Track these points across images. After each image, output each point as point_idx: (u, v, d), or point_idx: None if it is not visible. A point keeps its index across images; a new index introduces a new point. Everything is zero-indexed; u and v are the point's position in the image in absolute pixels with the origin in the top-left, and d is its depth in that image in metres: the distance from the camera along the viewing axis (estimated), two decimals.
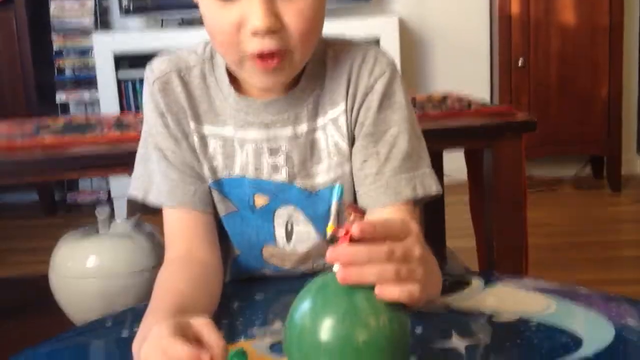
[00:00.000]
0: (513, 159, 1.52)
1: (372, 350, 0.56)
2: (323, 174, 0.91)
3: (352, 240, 0.57)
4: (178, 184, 0.89)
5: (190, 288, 0.78)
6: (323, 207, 0.91)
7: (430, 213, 2.07)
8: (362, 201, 0.89)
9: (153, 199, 0.91)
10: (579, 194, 3.49)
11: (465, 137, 1.56)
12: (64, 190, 3.74)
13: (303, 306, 0.58)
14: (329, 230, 0.59)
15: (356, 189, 0.90)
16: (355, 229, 0.57)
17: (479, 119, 1.59)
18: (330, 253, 0.57)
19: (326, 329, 0.56)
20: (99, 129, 1.71)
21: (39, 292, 1.80)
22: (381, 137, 0.89)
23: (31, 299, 1.91)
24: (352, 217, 0.58)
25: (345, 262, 0.57)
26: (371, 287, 0.57)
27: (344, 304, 0.57)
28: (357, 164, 0.89)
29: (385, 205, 0.87)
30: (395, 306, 0.58)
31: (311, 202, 0.91)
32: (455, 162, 2.12)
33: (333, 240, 0.59)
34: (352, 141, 0.91)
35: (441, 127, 1.53)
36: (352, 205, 0.59)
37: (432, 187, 0.89)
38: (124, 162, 1.45)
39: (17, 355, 0.75)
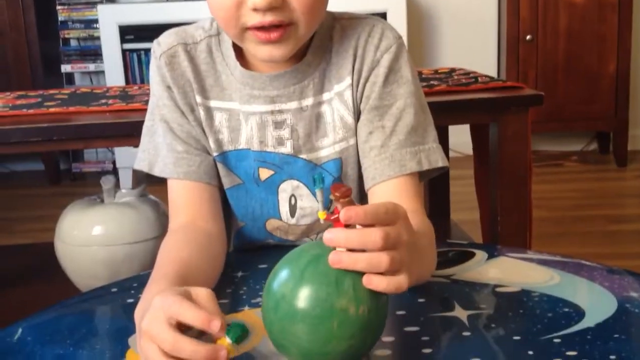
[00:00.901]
0: (519, 134, 1.51)
1: (345, 328, 0.57)
2: (328, 147, 0.91)
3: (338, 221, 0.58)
4: (184, 156, 0.90)
5: (193, 257, 0.79)
6: (327, 181, 0.91)
7: (435, 186, 2.07)
8: (366, 174, 0.89)
9: (158, 171, 0.91)
10: (585, 169, 3.48)
11: (472, 111, 1.55)
12: (69, 160, 3.75)
13: (286, 274, 0.59)
14: (321, 217, 0.59)
15: (361, 162, 0.90)
16: (342, 216, 0.57)
17: (486, 93, 1.58)
18: (326, 236, 0.58)
19: (306, 299, 0.57)
20: (104, 100, 1.71)
21: (44, 259, 1.81)
22: (387, 111, 0.88)
23: (37, 266, 1.92)
24: (338, 203, 0.58)
25: (340, 245, 0.57)
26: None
27: (330, 278, 0.57)
28: (363, 137, 0.89)
29: (389, 178, 0.86)
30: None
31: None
32: (460, 136, 2.12)
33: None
34: (357, 115, 0.91)
35: (447, 101, 1.52)
36: (336, 184, 0.59)
37: (437, 161, 0.89)
38: (129, 133, 1.46)
39: (23, 320, 0.76)
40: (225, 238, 0.90)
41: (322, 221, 0.60)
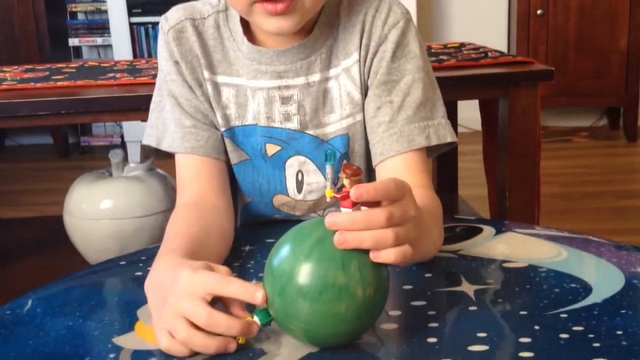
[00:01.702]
0: (528, 109, 1.50)
1: (354, 311, 0.57)
2: (335, 123, 0.91)
3: (348, 196, 0.58)
4: (191, 130, 0.90)
5: (203, 231, 0.79)
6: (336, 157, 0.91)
7: (443, 161, 2.06)
8: (374, 149, 0.89)
9: (166, 146, 0.91)
10: (594, 145, 3.46)
11: (481, 86, 1.54)
12: (77, 134, 3.76)
13: (291, 257, 0.58)
14: (328, 195, 0.59)
15: (369, 137, 0.90)
16: (353, 194, 0.57)
17: (495, 68, 1.57)
18: (329, 220, 0.57)
19: (314, 284, 0.57)
20: (112, 74, 1.71)
21: (53, 232, 1.83)
22: (395, 86, 0.88)
23: (46, 239, 1.93)
24: (348, 180, 0.58)
25: (344, 228, 0.57)
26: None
27: (336, 261, 0.57)
28: (370, 112, 0.89)
29: (398, 153, 0.86)
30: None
31: (322, 151, 0.91)
32: (469, 111, 2.10)
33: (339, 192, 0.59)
34: (365, 91, 0.90)
35: (457, 76, 1.51)
36: (347, 164, 0.59)
37: (446, 136, 0.89)
38: (137, 107, 1.45)
39: (33, 292, 0.77)
40: (232, 212, 0.90)
41: (328, 199, 0.60)
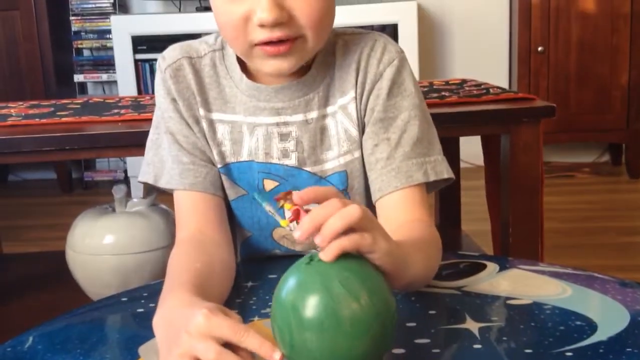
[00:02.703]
0: (531, 145, 1.51)
1: (355, 327, 0.56)
2: (333, 160, 0.91)
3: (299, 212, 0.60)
4: (189, 167, 0.90)
5: (206, 266, 0.79)
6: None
7: (445, 196, 2.06)
8: (373, 186, 0.89)
9: (164, 183, 0.92)
10: (597, 181, 3.46)
11: (483, 123, 1.55)
12: (81, 169, 3.77)
13: (288, 284, 0.59)
14: (284, 224, 0.61)
15: (367, 174, 0.91)
16: (296, 197, 0.59)
17: (497, 104, 1.58)
18: (296, 235, 0.59)
19: (310, 306, 0.57)
20: (117, 110, 1.72)
21: (56, 267, 1.82)
22: (392, 123, 0.89)
23: (48, 274, 1.93)
24: (285, 202, 0.61)
25: (311, 228, 0.59)
26: (356, 266, 0.59)
27: (327, 282, 0.57)
28: (368, 149, 0.90)
29: (396, 189, 0.87)
30: (379, 285, 0.59)
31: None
32: (471, 146, 2.11)
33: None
34: (362, 128, 0.91)
35: (459, 112, 1.52)
36: (276, 196, 0.61)
37: (443, 173, 0.89)
38: (141, 142, 1.45)
39: (34, 329, 0.76)
40: (233, 247, 0.90)
41: (287, 228, 0.61)
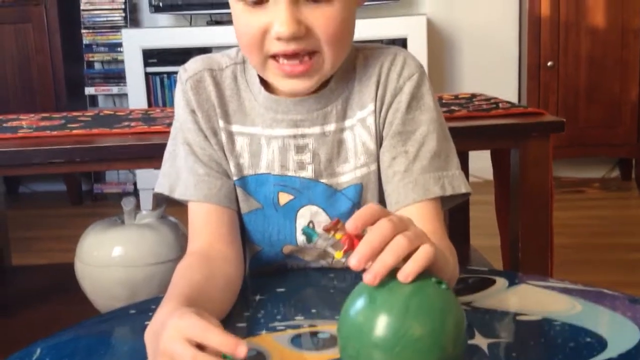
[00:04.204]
0: (540, 160, 1.50)
1: (426, 345, 0.56)
2: (349, 173, 0.91)
3: (353, 239, 0.59)
4: (204, 178, 0.90)
5: (206, 280, 0.79)
6: (346, 206, 0.91)
7: (455, 211, 2.06)
8: (390, 199, 0.89)
9: (179, 194, 0.92)
10: (606, 196, 3.44)
11: (493, 137, 1.55)
12: (91, 181, 3.79)
13: (354, 305, 0.59)
14: (339, 256, 0.61)
15: (384, 187, 0.91)
16: (350, 226, 0.59)
17: (507, 119, 1.58)
18: (352, 263, 0.58)
19: (378, 326, 0.56)
20: (127, 123, 1.73)
21: (64, 279, 1.82)
22: (410, 137, 0.89)
23: (57, 286, 1.93)
24: (336, 232, 0.60)
25: (367, 254, 0.58)
26: (426, 284, 0.58)
27: (393, 300, 0.57)
28: (386, 162, 0.90)
29: (413, 202, 0.87)
30: (447, 298, 0.58)
31: (334, 200, 0.92)
32: (480, 161, 2.11)
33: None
34: (380, 141, 0.91)
35: (468, 126, 1.52)
36: (325, 226, 0.61)
37: (461, 187, 0.89)
38: (151, 155, 1.47)
39: (42, 340, 0.76)
40: (242, 262, 0.90)
41: (343, 260, 0.60)
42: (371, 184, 0.92)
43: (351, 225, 0.59)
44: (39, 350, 0.74)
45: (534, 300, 0.83)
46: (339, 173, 0.92)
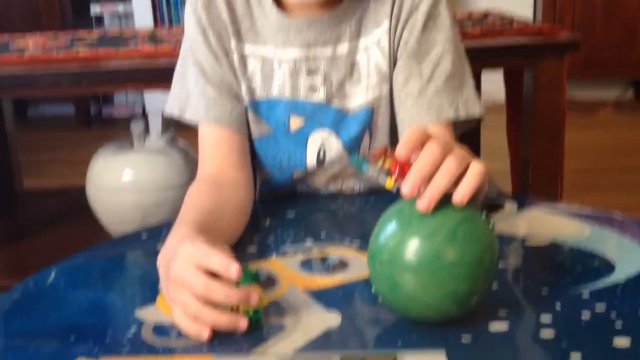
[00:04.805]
0: (554, 80, 1.48)
1: (462, 273, 0.56)
2: (361, 95, 0.90)
3: (403, 165, 0.58)
4: (215, 100, 0.89)
5: (217, 205, 0.79)
6: (356, 129, 0.91)
7: (465, 133, 2.04)
8: (402, 121, 0.88)
9: (190, 116, 0.91)
10: (620, 118, 3.40)
11: (505, 56, 1.52)
12: (99, 104, 3.77)
13: (386, 229, 0.59)
14: (390, 185, 0.59)
15: (396, 109, 0.90)
16: (400, 152, 0.57)
17: (520, 37, 1.54)
18: (404, 190, 0.57)
19: (412, 249, 0.56)
20: (133, 43, 1.71)
21: (77, 203, 1.84)
22: (425, 56, 0.87)
23: (70, 209, 1.95)
24: (386, 159, 0.59)
25: (419, 181, 0.57)
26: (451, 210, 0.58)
27: (442, 225, 0.57)
28: (400, 83, 0.88)
29: (426, 123, 0.86)
30: (491, 234, 0.58)
31: (346, 123, 0.91)
32: (493, 82, 2.07)
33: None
34: (393, 61, 0.90)
35: (481, 46, 1.48)
36: (374, 152, 0.60)
37: (475, 109, 0.88)
38: (159, 76, 1.45)
39: (56, 264, 0.77)
40: (252, 186, 0.90)
41: (394, 188, 0.59)
42: (382, 108, 0.91)
43: (402, 151, 0.58)
44: (53, 274, 0.75)
45: (542, 224, 0.83)
46: (350, 95, 0.90)
